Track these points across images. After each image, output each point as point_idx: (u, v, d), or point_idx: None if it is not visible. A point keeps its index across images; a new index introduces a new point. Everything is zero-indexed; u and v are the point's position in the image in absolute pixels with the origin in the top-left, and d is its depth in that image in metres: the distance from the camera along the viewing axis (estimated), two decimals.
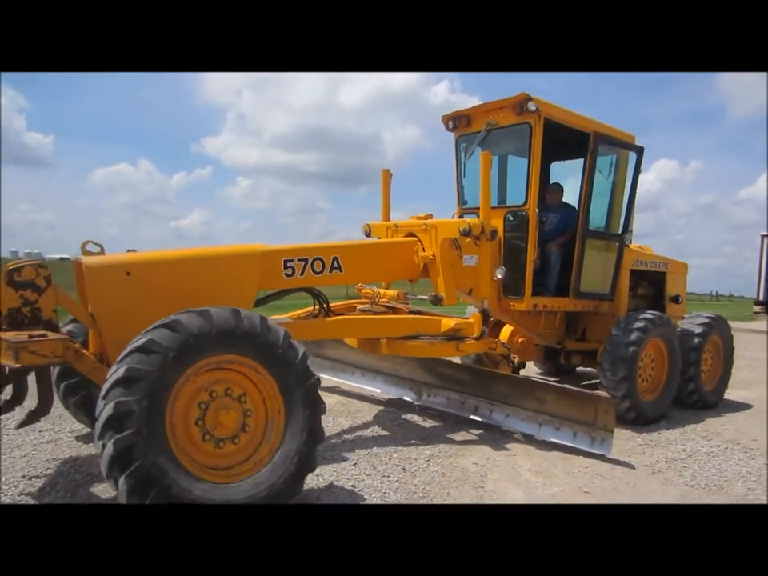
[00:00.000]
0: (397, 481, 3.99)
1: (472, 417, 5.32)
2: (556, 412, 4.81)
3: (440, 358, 5.53)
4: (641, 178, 6.22)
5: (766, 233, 19.65)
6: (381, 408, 5.91)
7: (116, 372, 2.80)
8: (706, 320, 6.56)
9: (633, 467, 4.55)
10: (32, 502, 3.44)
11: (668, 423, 5.86)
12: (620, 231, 6.18)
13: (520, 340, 6.54)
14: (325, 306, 4.72)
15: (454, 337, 4.95)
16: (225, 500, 2.97)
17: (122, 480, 2.68)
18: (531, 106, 5.10)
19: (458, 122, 5.94)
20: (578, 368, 7.75)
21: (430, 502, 3.67)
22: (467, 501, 3.74)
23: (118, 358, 2.89)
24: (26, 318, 3.25)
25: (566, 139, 5.70)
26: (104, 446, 2.70)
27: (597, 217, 6.07)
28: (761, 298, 19.07)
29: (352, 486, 3.85)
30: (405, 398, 5.94)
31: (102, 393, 2.79)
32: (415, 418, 5.61)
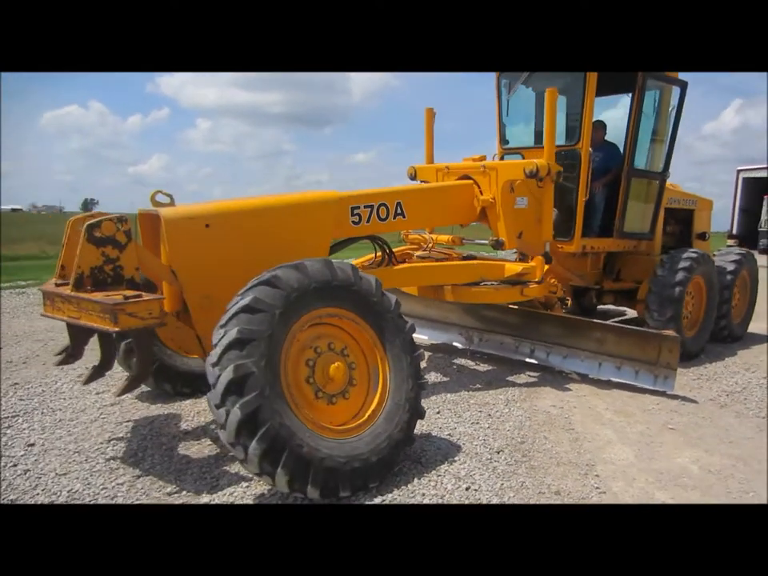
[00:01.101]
0: (489, 427, 3.96)
1: (528, 360, 5.31)
2: (617, 351, 4.84)
3: (488, 303, 5.45)
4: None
5: (741, 168, 20.14)
6: (430, 354, 5.84)
7: (226, 335, 2.67)
8: (738, 257, 6.68)
9: (698, 402, 4.65)
10: (130, 469, 3.26)
11: (708, 357, 6.03)
12: (661, 169, 6.12)
13: (552, 281, 6.52)
14: (389, 253, 4.55)
15: (518, 281, 4.87)
16: (351, 455, 2.89)
17: (253, 445, 2.57)
18: None
19: None
20: (598, 307, 7.82)
21: (530, 447, 3.67)
22: (564, 444, 3.75)
23: (222, 321, 2.75)
24: (109, 278, 2.99)
25: (610, 74, 5.50)
26: (227, 412, 2.58)
27: (639, 154, 5.96)
28: (734, 232, 19.73)
29: (448, 435, 3.80)
30: (455, 343, 5.88)
31: (213, 359, 2.66)
32: (469, 362, 5.57)
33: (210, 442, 3.65)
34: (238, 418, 2.55)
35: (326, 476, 2.76)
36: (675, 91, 6.00)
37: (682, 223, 7.16)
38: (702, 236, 7.33)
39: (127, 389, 3.18)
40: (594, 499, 3.04)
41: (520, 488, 3.13)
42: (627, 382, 4.86)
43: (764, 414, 4.42)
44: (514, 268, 4.81)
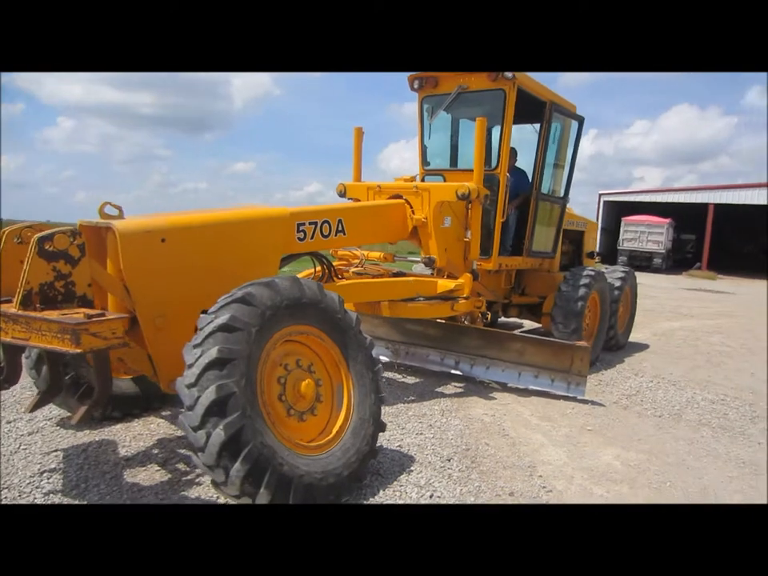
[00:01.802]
0: (433, 437, 4.14)
1: (453, 371, 5.60)
2: (534, 361, 5.28)
3: (410, 319, 5.67)
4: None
5: (602, 192, 22.58)
6: None
7: (204, 354, 2.60)
8: (623, 274, 7.52)
9: (605, 405, 5.19)
10: (75, 502, 3.03)
11: (602, 364, 6.70)
12: (562, 195, 6.76)
13: (479, 297, 6.90)
14: (331, 269, 4.61)
15: (449, 297, 5.13)
16: (326, 471, 2.93)
17: (236, 467, 2.53)
18: (508, 73, 5.30)
19: (424, 82, 5.94)
20: (498, 320, 8.36)
21: (475, 453, 3.91)
22: (504, 449, 4.03)
23: (196, 340, 2.68)
24: (60, 295, 2.78)
25: (523, 105, 6.00)
26: (208, 434, 2.51)
27: (544, 180, 6.53)
28: (598, 251, 21.96)
29: (398, 446, 3.93)
30: (382, 357, 6.01)
31: (190, 379, 2.57)
32: (397, 375, 5.74)
33: (158, 467, 3.47)
34: (221, 440, 2.50)
35: (305, 493, 2.77)
36: (574, 125, 6.68)
37: (574, 243, 7.92)
38: (591, 255, 8.19)
39: (39, 403, 3.01)
40: (544, 498, 3.33)
41: (478, 492, 3.33)
42: (544, 389, 5.30)
43: (659, 414, 5.04)
44: (446, 284, 5.06)
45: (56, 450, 3.63)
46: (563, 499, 3.33)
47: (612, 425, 4.68)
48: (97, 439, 3.82)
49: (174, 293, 3.20)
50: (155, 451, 3.70)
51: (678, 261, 31.62)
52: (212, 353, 2.58)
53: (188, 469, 3.47)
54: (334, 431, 3.18)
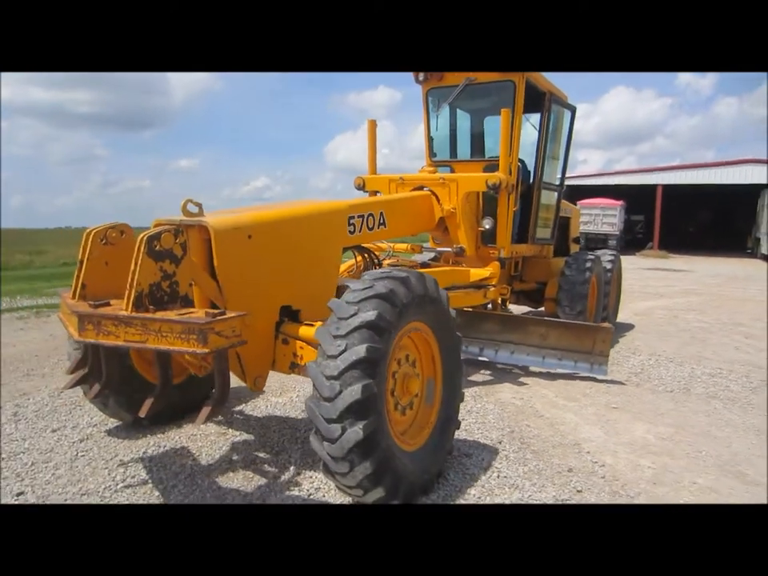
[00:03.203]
0: (476, 422, 4.32)
1: (480, 358, 5.78)
2: (558, 344, 5.52)
3: None
4: None
5: None
6: None
7: (350, 350, 2.59)
8: (612, 257, 7.87)
9: (622, 383, 5.49)
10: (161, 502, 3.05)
11: None
12: (558, 183, 7.01)
13: (503, 284, 7.05)
14: (378, 262, 4.71)
15: (481, 285, 5.30)
16: (423, 468, 3.02)
17: (364, 465, 2.57)
18: None
19: (429, 75, 6.01)
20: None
21: (521, 435, 4.11)
22: (546, 429, 4.25)
23: (340, 330, 2.66)
24: (166, 295, 2.75)
25: (526, 96, 6.14)
26: (344, 429, 2.54)
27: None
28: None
29: None
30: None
31: (333, 371, 2.58)
32: None
33: (227, 466, 3.51)
34: (357, 438, 2.52)
35: (408, 492, 2.88)
36: (567, 114, 6.91)
37: (562, 229, 8.21)
38: (576, 240, 8.54)
39: (153, 407, 2.91)
40: (599, 472, 3.55)
41: (539, 470, 3.53)
42: (568, 371, 5.55)
43: (670, 389, 5.39)
44: (480, 273, 5.23)
45: (116, 456, 3.61)
46: (616, 471, 3.56)
47: (633, 402, 4.98)
48: (152, 442, 3.81)
49: (258, 289, 3.20)
50: (220, 450, 3.73)
51: (628, 241, 32.91)
52: (360, 351, 2.58)
53: (261, 467, 3.53)
54: (426, 427, 3.26)
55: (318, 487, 3.25)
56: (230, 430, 4.07)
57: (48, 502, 3.03)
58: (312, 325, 3.20)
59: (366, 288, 2.82)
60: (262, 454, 3.68)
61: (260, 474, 3.42)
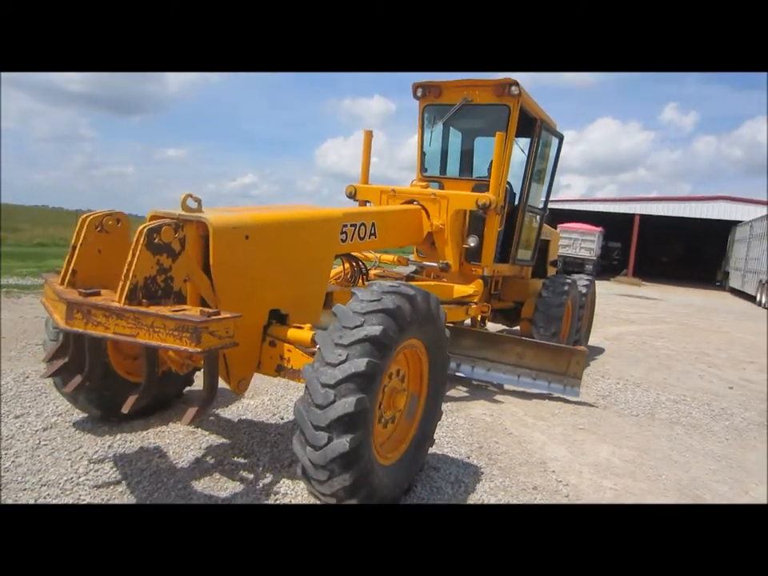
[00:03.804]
0: (445, 435, 4.35)
1: (456, 373, 5.83)
2: (532, 364, 5.60)
3: None
4: None
5: None
6: None
7: (350, 362, 2.56)
8: (587, 282, 8.03)
9: (590, 405, 5.60)
10: (123, 499, 3.01)
11: None
12: (542, 207, 7.14)
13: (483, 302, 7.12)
14: (365, 272, 4.73)
15: (463, 302, 5.36)
16: (395, 482, 3.02)
17: (344, 476, 2.55)
18: (515, 90, 5.56)
19: (427, 91, 6.10)
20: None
21: (489, 451, 4.16)
22: (514, 447, 4.31)
23: (343, 339, 2.62)
24: (160, 289, 2.70)
25: (519, 120, 6.25)
26: (330, 438, 2.51)
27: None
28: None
29: None
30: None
31: (329, 379, 2.54)
32: None
33: (194, 464, 3.48)
34: (342, 450, 2.50)
35: (379, 502, 2.88)
36: (555, 141, 7.07)
37: (540, 252, 8.36)
38: (554, 263, 8.69)
39: (137, 402, 2.86)
40: (563, 491, 3.61)
41: (505, 487, 3.58)
42: (542, 391, 5.63)
43: (635, 413, 5.51)
44: (464, 290, 5.30)
45: (80, 447, 3.56)
46: (579, 491, 3.63)
47: (599, 423, 5.08)
48: (118, 437, 3.76)
49: (251, 290, 3.17)
50: (188, 450, 3.70)
51: (604, 267, 33.53)
52: (360, 364, 2.55)
53: (229, 468, 3.51)
54: (403, 442, 3.26)
55: (285, 492, 3.25)
56: (200, 429, 4.04)
57: (12, 497, 2.96)
58: (301, 327, 3.20)
59: (374, 300, 2.80)
60: (230, 456, 3.66)
61: (227, 475, 3.40)
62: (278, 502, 3.14)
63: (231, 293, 3.03)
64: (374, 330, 2.65)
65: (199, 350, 2.45)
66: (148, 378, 2.90)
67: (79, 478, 3.18)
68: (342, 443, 2.50)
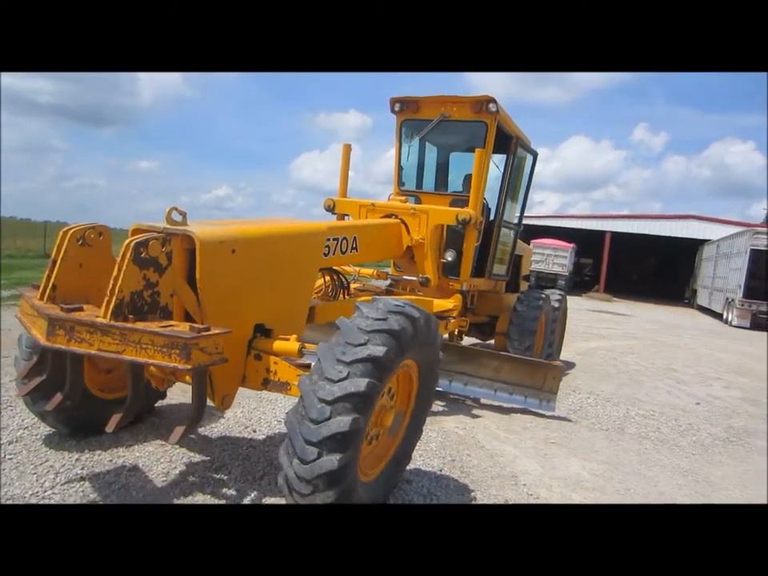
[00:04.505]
0: (419, 448, 4.33)
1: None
2: (509, 379, 5.66)
3: None
4: None
5: None
6: None
7: (350, 380, 2.51)
8: (559, 297, 8.16)
9: (561, 419, 5.67)
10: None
11: None
12: (516, 222, 7.25)
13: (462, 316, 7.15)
14: (346, 286, 4.74)
15: (442, 317, 5.39)
16: (371, 500, 2.98)
17: (327, 493, 2.50)
18: (492, 107, 5.66)
19: (405, 106, 6.16)
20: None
21: (462, 464, 4.18)
22: (486, 460, 4.34)
23: (346, 356, 2.58)
24: (146, 305, 2.64)
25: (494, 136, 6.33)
26: (320, 454, 2.46)
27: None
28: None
29: None
30: None
31: (327, 395, 2.49)
32: None
33: (164, 477, 3.43)
34: (330, 468, 2.45)
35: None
36: (529, 158, 7.20)
37: (513, 267, 8.47)
38: (526, 278, 8.82)
39: (122, 421, 2.79)
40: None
41: (476, 500, 3.60)
42: (517, 405, 5.68)
43: (605, 428, 5.60)
44: (443, 304, 5.34)
45: (47, 461, 3.48)
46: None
47: (570, 438, 5.14)
48: (86, 450, 3.68)
49: (237, 304, 3.12)
50: (158, 463, 3.64)
51: (576, 283, 34.09)
52: (360, 384, 2.51)
53: (199, 481, 3.46)
54: (384, 459, 3.24)
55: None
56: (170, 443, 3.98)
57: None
58: (287, 339, 3.17)
59: (380, 320, 2.76)
60: (201, 469, 3.61)
61: (198, 488, 3.35)
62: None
63: (217, 307, 2.98)
64: (378, 350, 2.60)
65: (189, 366, 2.41)
66: (133, 395, 2.80)
67: (45, 492, 3.10)
68: (332, 461, 2.45)
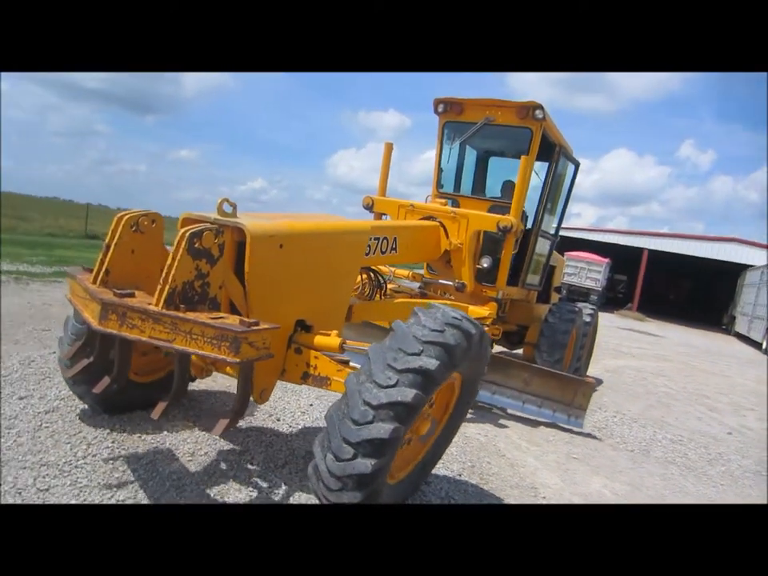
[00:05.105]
0: None
1: None
2: (538, 392, 5.60)
3: None
4: None
5: None
6: None
7: (398, 388, 2.48)
8: (591, 311, 8.04)
9: (585, 436, 5.59)
10: (113, 485, 3.04)
11: None
12: (554, 233, 7.18)
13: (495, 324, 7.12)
14: (383, 286, 4.78)
15: None
16: (392, 501, 2.97)
17: (355, 493, 2.49)
18: (539, 114, 5.59)
19: (449, 107, 6.11)
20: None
21: (481, 471, 4.17)
22: (506, 469, 4.32)
23: (396, 362, 2.55)
24: (196, 295, 2.64)
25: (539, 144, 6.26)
26: (355, 456, 2.44)
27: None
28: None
29: None
30: None
31: (371, 399, 2.47)
32: None
33: (190, 456, 3.51)
34: (364, 471, 2.43)
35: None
36: (571, 168, 7.11)
37: (546, 277, 8.39)
38: (558, 290, 8.71)
39: (168, 409, 2.74)
40: None
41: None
42: (545, 419, 5.63)
43: (630, 449, 5.50)
44: (479, 312, 5.29)
45: (80, 432, 3.60)
46: None
47: (593, 455, 5.07)
48: (117, 425, 3.79)
49: (281, 299, 3.13)
50: (184, 443, 3.73)
51: (609, 299, 33.46)
52: (408, 395, 2.47)
53: (222, 463, 3.54)
54: (411, 462, 3.22)
55: (276, 492, 3.27)
56: (197, 423, 4.07)
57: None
58: (328, 334, 3.17)
59: (437, 331, 2.72)
60: (225, 452, 3.69)
61: (220, 470, 3.43)
62: (268, 497, 3.17)
63: (263, 300, 2.98)
64: (430, 363, 2.56)
65: (237, 360, 2.39)
66: (178, 383, 2.78)
67: (77, 461, 3.21)
68: (366, 464, 2.43)
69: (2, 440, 3.30)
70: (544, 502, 3.84)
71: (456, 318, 2.87)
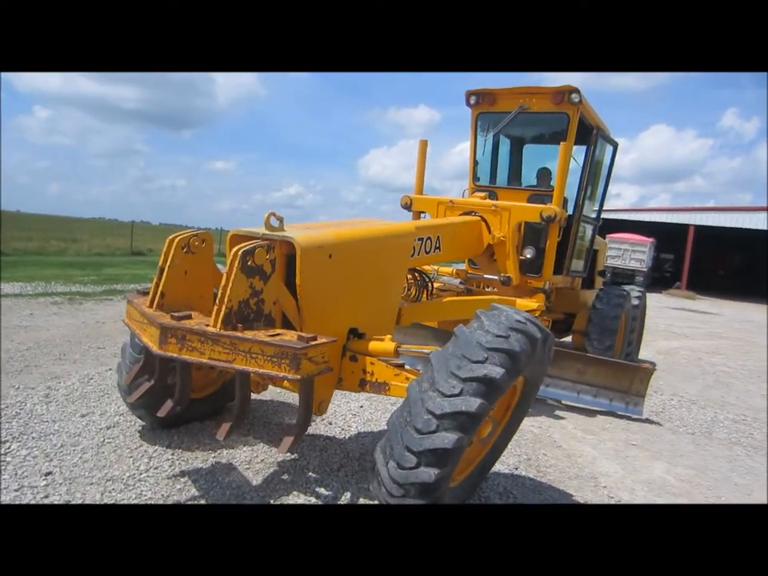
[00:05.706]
0: None
1: None
2: (593, 381, 5.49)
3: None
4: None
5: None
6: None
7: (463, 398, 2.42)
8: (639, 293, 7.82)
9: (642, 421, 5.44)
10: (176, 495, 3.12)
11: None
12: (595, 217, 7.00)
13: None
14: (431, 286, 4.77)
15: None
16: (452, 502, 2.92)
17: (416, 499, 2.44)
18: (575, 97, 5.45)
19: (481, 99, 6.02)
20: None
21: (538, 463, 4.10)
22: (563, 460, 4.24)
23: (462, 370, 2.48)
24: (252, 313, 2.65)
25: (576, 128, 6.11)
26: (418, 464, 2.40)
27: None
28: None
29: None
30: None
31: (435, 408, 2.41)
32: None
33: (247, 466, 3.58)
34: (427, 480, 2.39)
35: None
36: (609, 149, 6.92)
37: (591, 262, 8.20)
38: (602, 273, 8.49)
39: (232, 429, 2.80)
40: None
41: (555, 500, 3.52)
42: (602, 408, 5.51)
43: (691, 431, 5.32)
44: (527, 304, 5.21)
45: (141, 446, 3.70)
46: None
47: (652, 440, 4.93)
48: (176, 438, 3.89)
49: (333, 310, 3.13)
50: (240, 451, 3.80)
51: (656, 279, 32.48)
52: (472, 404, 2.41)
53: (280, 470, 3.59)
54: (471, 464, 3.19)
55: (334, 496, 3.30)
56: (251, 432, 4.14)
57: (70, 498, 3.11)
58: (381, 339, 3.15)
59: (501, 337, 2.64)
60: (280, 459, 3.74)
61: (278, 477, 3.47)
62: (326, 502, 3.20)
63: (316, 313, 2.97)
64: (495, 371, 2.50)
65: (298, 377, 2.40)
66: (241, 403, 2.80)
67: (141, 474, 3.31)
68: (429, 474, 2.38)
69: (69, 457, 3.43)
70: (606, 492, 3.75)
71: (520, 322, 2.77)
